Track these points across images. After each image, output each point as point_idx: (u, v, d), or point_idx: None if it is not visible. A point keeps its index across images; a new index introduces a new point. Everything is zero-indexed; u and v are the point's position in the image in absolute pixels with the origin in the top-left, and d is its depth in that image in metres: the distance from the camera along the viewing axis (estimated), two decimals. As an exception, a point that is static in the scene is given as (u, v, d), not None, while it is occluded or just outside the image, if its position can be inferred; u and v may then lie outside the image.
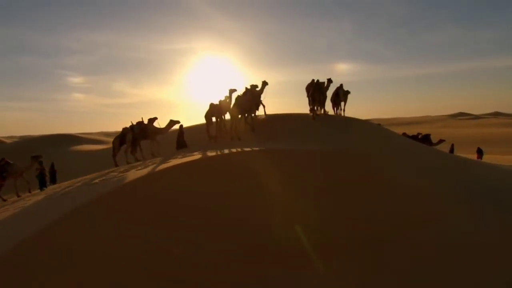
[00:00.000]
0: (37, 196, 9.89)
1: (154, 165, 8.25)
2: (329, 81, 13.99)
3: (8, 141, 51.69)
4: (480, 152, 25.13)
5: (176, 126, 13.07)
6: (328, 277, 5.54)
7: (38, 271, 4.93)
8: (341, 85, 14.55)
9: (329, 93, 14.28)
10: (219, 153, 8.33)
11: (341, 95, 14.44)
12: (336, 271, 5.67)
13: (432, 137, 20.92)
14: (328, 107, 14.56)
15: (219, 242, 5.88)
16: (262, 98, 13.04)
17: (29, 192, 12.38)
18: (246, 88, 12.48)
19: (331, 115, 14.57)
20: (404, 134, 20.06)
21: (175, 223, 6.00)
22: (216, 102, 12.57)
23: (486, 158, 25.01)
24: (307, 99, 13.69)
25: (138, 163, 10.53)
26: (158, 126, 12.71)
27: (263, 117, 13.59)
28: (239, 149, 8.70)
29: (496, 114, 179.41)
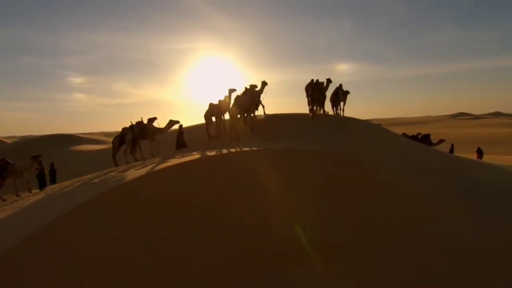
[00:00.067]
0: (36, 196, 9.89)
1: (153, 165, 8.26)
2: (328, 81, 13.99)
3: (8, 141, 51.70)
4: (480, 152, 25.12)
5: (176, 126, 13.08)
6: (328, 277, 5.55)
7: (37, 270, 4.95)
8: (341, 85, 14.56)
9: (329, 93, 14.28)
10: (218, 153, 8.33)
11: (340, 95, 14.44)
12: (336, 271, 5.68)
13: (432, 137, 20.93)
14: (328, 107, 14.57)
15: (219, 242, 5.88)
16: (261, 98, 13.05)
17: (29, 191, 12.39)
18: (246, 88, 12.49)
19: (330, 115, 14.57)
20: (404, 134, 20.07)
21: (175, 223, 6.01)
22: (215, 102, 12.58)
23: (486, 158, 24.99)
24: (306, 99, 13.72)
25: (137, 163, 10.54)
26: (158, 126, 12.72)
27: (263, 117, 13.60)
28: (238, 149, 8.70)
29: (497, 114, 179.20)
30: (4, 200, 11.46)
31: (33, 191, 12.83)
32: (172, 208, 6.27)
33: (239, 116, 12.26)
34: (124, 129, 12.55)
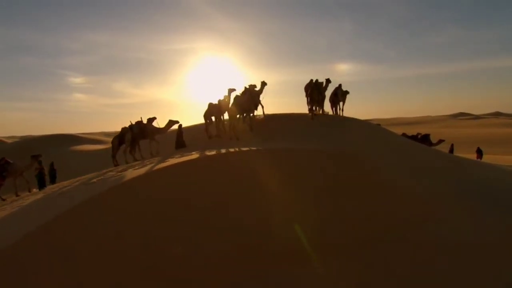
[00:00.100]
0: (35, 196, 9.90)
1: (152, 164, 8.26)
2: (328, 81, 14.00)
3: (8, 141, 51.71)
4: (479, 152, 25.12)
5: (175, 126, 13.08)
6: (328, 277, 5.55)
7: (36, 269, 4.96)
8: (340, 85, 14.56)
9: (328, 93, 14.28)
10: (217, 152, 8.32)
11: (339, 95, 14.44)
12: (336, 271, 5.68)
13: (432, 137, 20.95)
14: (327, 107, 14.58)
15: (218, 241, 5.88)
16: (261, 98, 13.06)
17: (29, 191, 12.39)
18: (245, 87, 12.49)
19: (329, 115, 14.57)
20: (403, 134, 20.08)
21: (173, 223, 6.01)
22: (215, 102, 12.59)
23: (486, 158, 24.98)
24: (306, 99, 13.73)
25: (137, 162, 10.54)
26: (157, 126, 12.72)
27: (262, 117, 13.60)
28: (237, 149, 8.70)
29: (497, 114, 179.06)
30: (3, 200, 11.46)
31: (34, 190, 12.85)
32: (171, 207, 6.26)
33: (238, 116, 12.25)
34: (124, 129, 12.56)
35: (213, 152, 8.37)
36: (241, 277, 5.38)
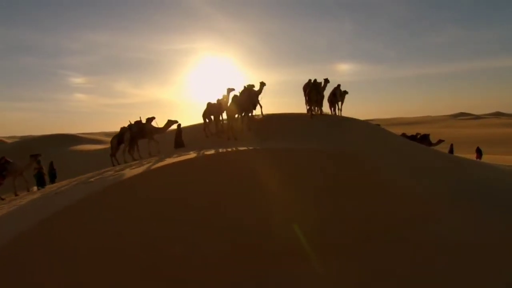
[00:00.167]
0: (33, 195, 9.92)
1: (150, 164, 8.25)
2: (326, 81, 14.02)
3: (9, 141, 51.74)
4: (479, 152, 25.11)
5: (174, 126, 13.09)
6: (328, 277, 5.54)
7: (33, 266, 4.95)
8: (339, 85, 14.57)
9: (326, 93, 14.29)
10: (215, 152, 8.32)
11: (338, 95, 14.46)
12: (336, 271, 5.67)
13: (432, 137, 20.96)
14: (325, 107, 14.58)
15: (217, 241, 5.88)
16: (259, 99, 13.07)
17: (28, 191, 12.39)
18: (244, 86, 12.50)
19: (328, 115, 14.58)
20: (403, 134, 20.08)
21: (172, 222, 6.00)
22: (214, 101, 12.60)
23: (486, 158, 24.95)
24: (304, 99, 13.76)
25: (135, 162, 10.55)
26: (156, 126, 12.72)
27: (260, 117, 13.60)
28: (236, 149, 8.69)
29: (498, 114, 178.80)
30: (2, 199, 11.46)
31: (34, 189, 12.85)
32: (169, 207, 6.25)
33: (236, 116, 12.25)
34: (123, 128, 12.57)
35: (212, 152, 8.37)
36: (241, 277, 5.37)
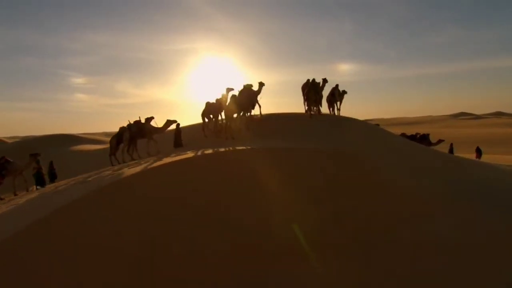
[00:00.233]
0: (31, 194, 9.94)
1: (148, 163, 8.24)
2: (324, 81, 14.02)
3: (9, 141, 51.76)
4: (479, 152, 25.11)
5: (173, 126, 13.08)
6: (328, 277, 5.55)
7: (30, 263, 4.95)
8: (337, 85, 14.58)
9: (325, 93, 14.30)
10: (214, 151, 8.31)
11: (336, 95, 14.45)
12: (336, 271, 5.68)
13: (431, 137, 20.95)
14: (324, 107, 14.59)
15: (217, 241, 5.88)
16: (258, 99, 13.08)
17: (27, 190, 12.38)
18: (244, 86, 12.51)
19: (327, 115, 14.57)
20: (402, 134, 20.07)
21: (171, 221, 5.99)
22: (212, 101, 12.59)
23: (486, 158, 24.92)
24: (303, 99, 13.76)
25: (133, 162, 10.55)
26: (155, 125, 12.71)
27: (259, 117, 13.60)
28: (235, 148, 8.68)
29: (499, 114, 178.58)
30: (2, 199, 11.45)
31: (34, 188, 12.84)
32: (168, 206, 6.25)
33: (235, 115, 12.26)
34: (122, 128, 12.55)
35: (211, 151, 8.36)
36: (241, 277, 5.37)
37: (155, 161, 8.30)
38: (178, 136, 12.88)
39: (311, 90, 13.31)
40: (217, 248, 5.78)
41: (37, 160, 13.41)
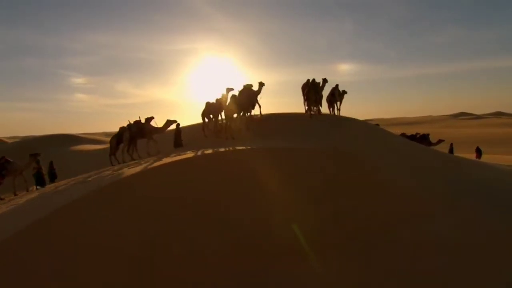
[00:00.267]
0: (31, 194, 9.94)
1: (148, 163, 8.24)
2: (324, 80, 14.03)
3: (9, 141, 51.76)
4: (478, 152, 25.12)
5: (173, 126, 13.08)
6: (328, 277, 5.55)
7: (31, 264, 4.95)
8: (337, 85, 14.58)
9: (325, 93, 14.31)
10: (214, 151, 8.31)
11: (336, 95, 14.46)
12: (336, 271, 5.68)
13: (431, 137, 20.94)
14: (324, 107, 14.59)
15: (217, 241, 5.88)
16: (258, 99, 13.09)
17: (27, 190, 12.38)
18: (244, 86, 12.52)
19: (327, 115, 14.58)
20: (402, 134, 20.06)
21: (170, 221, 5.99)
22: (212, 100, 12.60)
23: (486, 158, 24.91)
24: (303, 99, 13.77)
25: (133, 162, 10.55)
26: (155, 125, 12.71)
27: (259, 117, 13.61)
28: (235, 148, 8.68)
29: (499, 114, 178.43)
30: (2, 199, 11.45)
31: (34, 188, 12.83)
32: (167, 206, 6.24)
33: (235, 115, 12.27)
34: (122, 128, 12.55)
35: (211, 151, 8.36)
36: (241, 277, 5.38)
37: (155, 161, 8.30)
38: (178, 136, 12.88)
39: (311, 90, 13.32)
40: (217, 248, 5.78)
41: (37, 160, 13.40)
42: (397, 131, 22.04)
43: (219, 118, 12.82)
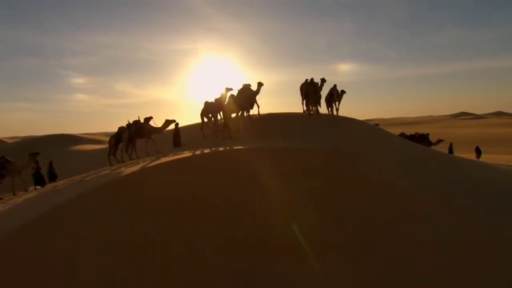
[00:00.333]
0: (30, 194, 9.94)
1: (146, 162, 8.24)
2: (323, 80, 14.05)
3: (9, 141, 51.80)
4: (478, 152, 25.14)
5: (172, 126, 13.08)
6: (328, 277, 5.56)
7: (29, 263, 4.94)
8: (335, 85, 14.59)
9: (323, 93, 14.32)
10: (213, 151, 8.30)
11: (335, 96, 14.46)
12: (336, 271, 5.68)
13: (432, 137, 20.94)
14: (322, 107, 14.59)
15: (216, 241, 5.87)
16: (257, 99, 13.10)
17: (25, 190, 12.36)
18: (243, 85, 12.53)
19: (326, 115, 14.58)
20: (401, 134, 20.05)
21: (169, 221, 5.98)
22: (211, 100, 12.60)
23: (486, 157, 24.90)
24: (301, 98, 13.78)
25: (131, 161, 10.55)
26: (154, 125, 12.70)
27: (257, 117, 13.62)
28: (234, 148, 8.68)
29: (499, 114, 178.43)
30: (1, 199, 11.44)
31: (33, 188, 12.82)
32: (166, 205, 6.23)
33: (234, 115, 12.28)
34: (121, 128, 12.54)
35: (210, 151, 8.35)
36: (241, 276, 5.37)
37: (153, 161, 8.30)
38: (177, 136, 12.88)
39: (310, 90, 13.33)
40: (217, 248, 5.77)
41: (36, 160, 13.38)
42: (397, 131, 22.03)
43: (218, 117, 12.83)
